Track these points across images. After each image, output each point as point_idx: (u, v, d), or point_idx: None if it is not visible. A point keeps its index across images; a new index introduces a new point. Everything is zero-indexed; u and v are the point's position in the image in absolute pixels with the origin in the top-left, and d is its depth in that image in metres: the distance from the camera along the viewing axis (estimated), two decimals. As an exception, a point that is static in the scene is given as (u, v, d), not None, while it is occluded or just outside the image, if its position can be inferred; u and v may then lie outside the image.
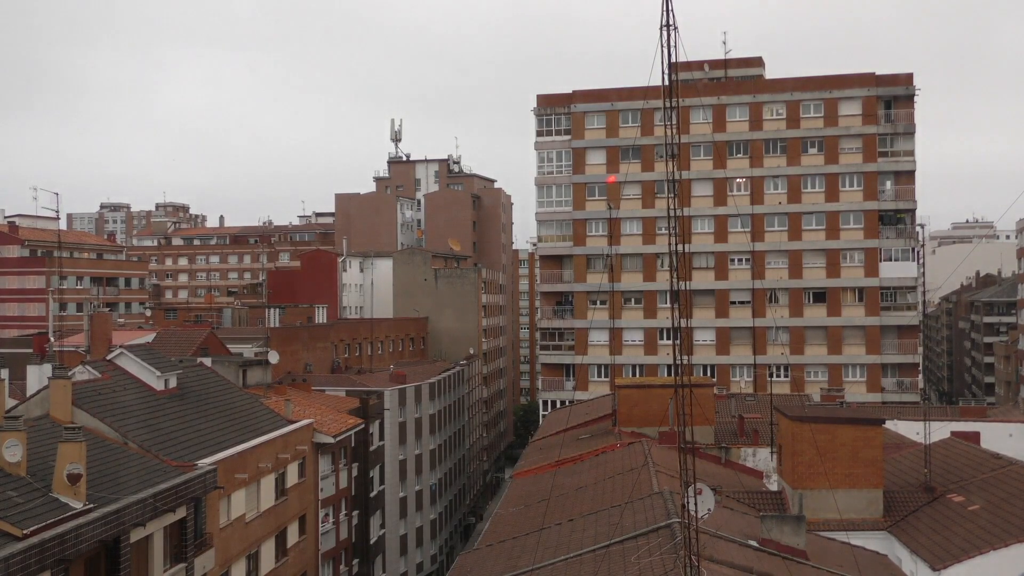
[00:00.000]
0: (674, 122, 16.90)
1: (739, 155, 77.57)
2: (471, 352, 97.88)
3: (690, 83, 77.36)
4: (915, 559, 26.60)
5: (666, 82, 16.24)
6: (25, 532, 22.82)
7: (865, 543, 27.63)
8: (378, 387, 66.34)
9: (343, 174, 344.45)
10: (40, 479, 25.58)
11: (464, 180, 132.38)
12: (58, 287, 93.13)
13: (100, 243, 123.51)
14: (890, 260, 74.87)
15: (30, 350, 55.34)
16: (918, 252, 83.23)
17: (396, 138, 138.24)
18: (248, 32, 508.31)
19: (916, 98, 75.38)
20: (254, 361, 52.22)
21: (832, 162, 75.96)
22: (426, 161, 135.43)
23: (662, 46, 16.09)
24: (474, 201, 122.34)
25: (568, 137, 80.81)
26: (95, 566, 26.20)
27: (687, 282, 18.96)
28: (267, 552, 38.52)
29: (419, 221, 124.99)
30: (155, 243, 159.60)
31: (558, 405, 74.77)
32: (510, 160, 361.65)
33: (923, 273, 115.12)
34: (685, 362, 17.21)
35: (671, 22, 16.05)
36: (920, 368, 76.33)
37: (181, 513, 30.15)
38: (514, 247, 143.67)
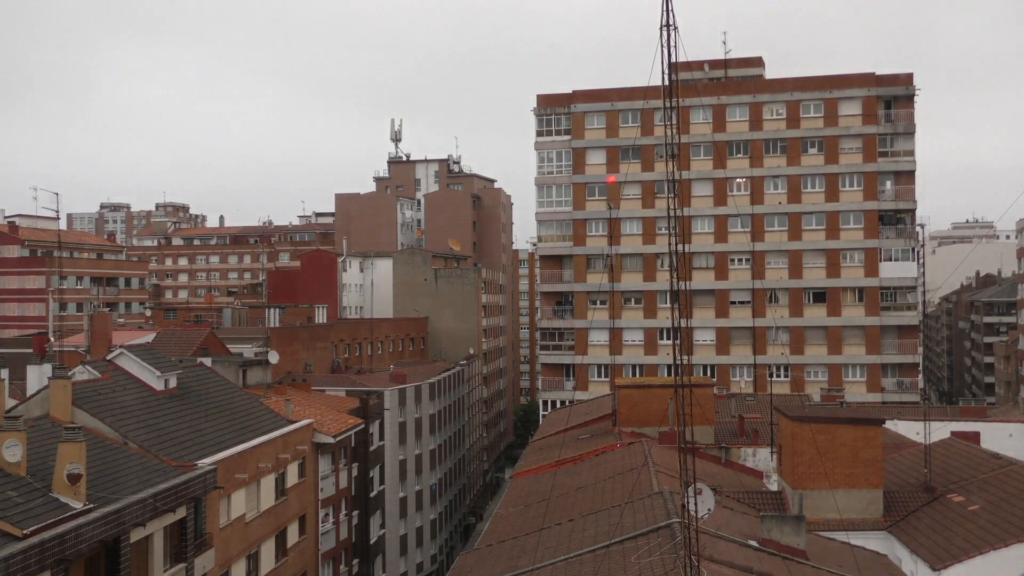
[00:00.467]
0: (674, 122, 16.90)
1: (739, 155, 77.59)
2: (471, 352, 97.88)
3: (690, 83, 77.36)
4: (915, 559, 26.60)
5: (666, 82, 16.23)
6: (25, 532, 22.82)
7: (865, 543, 27.62)
8: (378, 387, 66.33)
9: (343, 174, 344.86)
10: (40, 479, 25.57)
11: (464, 180, 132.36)
12: (58, 287, 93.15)
13: (100, 243, 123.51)
14: (890, 260, 74.87)
15: (30, 350, 55.36)
16: (918, 252, 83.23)
17: (396, 138, 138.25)
18: (248, 32, 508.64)
19: (916, 98, 75.47)
20: (254, 361, 52.24)
21: (832, 162, 75.96)
22: (426, 161, 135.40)
23: (662, 46, 16.08)
24: (474, 201, 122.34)
25: (568, 137, 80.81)
26: (95, 566, 26.20)
27: (687, 282, 18.96)
28: (267, 552, 38.52)
29: (419, 221, 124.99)
30: (155, 243, 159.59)
31: (558, 405, 74.78)
32: (510, 160, 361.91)
33: (923, 273, 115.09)
34: (685, 362, 17.20)
35: (671, 22, 16.04)
36: (920, 368, 76.33)
37: (181, 513, 30.15)
38: (514, 247, 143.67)
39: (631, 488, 27.30)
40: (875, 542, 28.27)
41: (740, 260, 77.22)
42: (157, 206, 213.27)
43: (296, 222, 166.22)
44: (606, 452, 35.98)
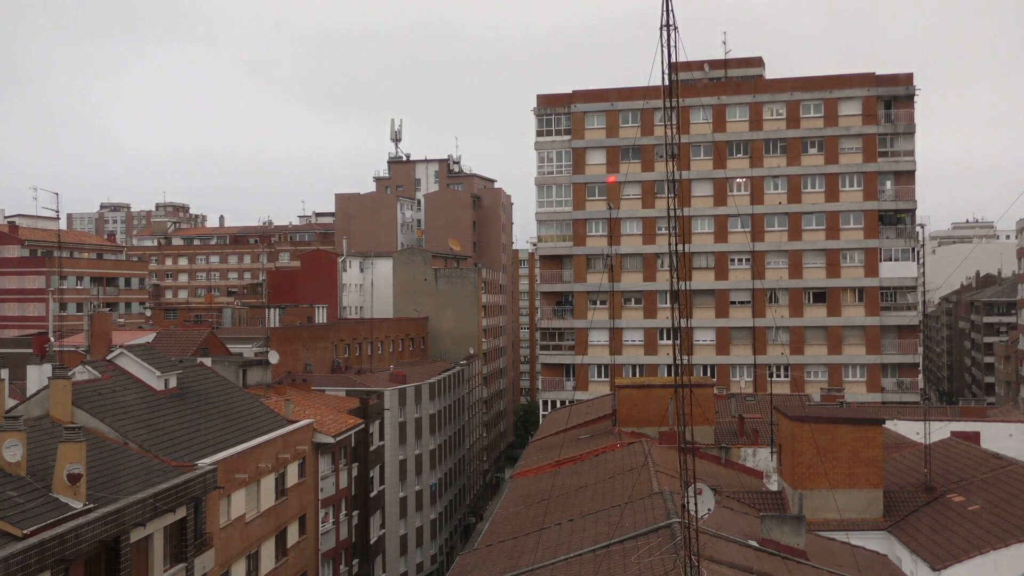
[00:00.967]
0: (674, 122, 16.89)
1: (739, 155, 77.59)
2: (471, 352, 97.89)
3: (690, 83, 77.36)
4: (915, 559, 26.60)
5: (666, 82, 16.23)
6: (25, 532, 22.82)
7: (865, 543, 27.62)
8: (378, 387, 66.33)
9: (343, 174, 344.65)
10: (40, 479, 25.57)
11: (464, 180, 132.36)
12: (58, 287, 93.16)
13: (100, 243, 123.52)
14: (890, 260, 74.86)
15: (30, 350, 55.34)
16: (918, 252, 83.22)
17: (396, 138, 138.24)
18: (248, 32, 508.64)
19: (916, 98, 75.47)
20: (254, 361, 52.25)
21: (832, 162, 75.96)
22: (426, 161, 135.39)
23: (662, 46, 16.08)
24: (474, 201, 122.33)
25: (568, 137, 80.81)
26: (95, 566, 26.20)
27: (687, 282, 18.96)
28: (267, 552, 38.52)
29: (419, 221, 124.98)
30: (155, 243, 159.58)
31: (558, 405, 74.78)
32: (510, 160, 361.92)
33: (923, 273, 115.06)
34: (685, 362, 17.20)
35: (671, 22, 16.04)
36: (920, 368, 76.32)
37: (181, 513, 30.15)
38: (514, 247, 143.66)
39: (631, 488, 27.31)
40: (875, 542, 28.27)
41: (740, 260, 77.22)
42: (157, 206, 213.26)
43: (296, 222, 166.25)
44: (606, 452, 35.98)
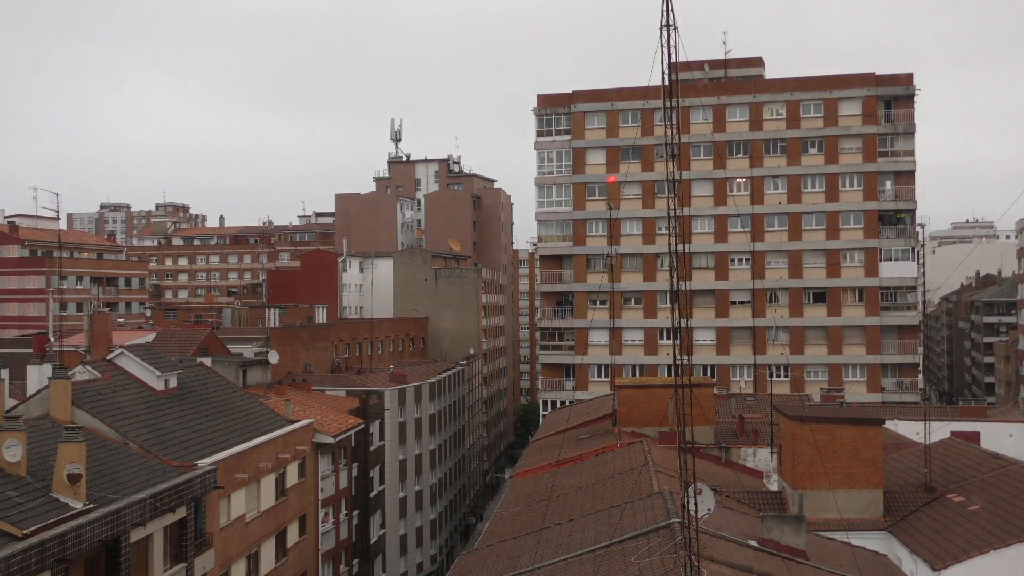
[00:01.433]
0: (674, 122, 16.90)
1: (739, 155, 77.58)
2: (471, 352, 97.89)
3: (690, 83, 77.36)
4: (915, 559, 26.59)
5: (666, 82, 16.23)
6: (25, 532, 22.81)
7: (865, 543, 27.61)
8: (378, 387, 66.33)
9: (343, 174, 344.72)
10: (40, 479, 25.57)
11: (464, 180, 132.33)
12: (58, 287, 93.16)
13: (100, 243, 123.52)
14: (890, 260, 74.85)
15: (30, 350, 55.39)
16: (918, 252, 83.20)
17: (396, 138, 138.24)
18: (248, 32, 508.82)
19: (916, 98, 75.46)
20: (254, 361, 52.25)
21: (832, 162, 75.96)
22: (426, 161, 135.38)
23: (662, 46, 16.09)
24: (474, 201, 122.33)
25: (568, 137, 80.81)
26: (95, 566, 26.20)
27: (687, 282, 18.97)
28: (267, 552, 38.52)
29: (419, 221, 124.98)
30: (155, 243, 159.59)
31: (558, 405, 74.77)
32: (510, 160, 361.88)
33: (923, 273, 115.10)
34: (685, 362, 17.21)
35: (671, 22, 16.05)
36: (920, 368, 76.31)
37: (181, 513, 30.15)
38: (514, 247, 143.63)
39: (631, 488, 27.31)
40: (875, 542, 28.27)
41: (740, 260, 77.21)
42: (157, 206, 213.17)
43: (296, 222, 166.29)
44: (606, 452, 35.98)
